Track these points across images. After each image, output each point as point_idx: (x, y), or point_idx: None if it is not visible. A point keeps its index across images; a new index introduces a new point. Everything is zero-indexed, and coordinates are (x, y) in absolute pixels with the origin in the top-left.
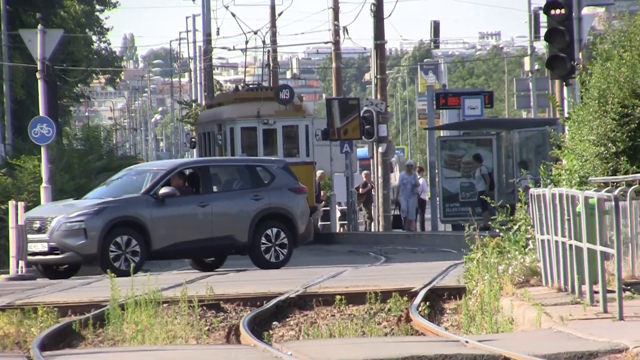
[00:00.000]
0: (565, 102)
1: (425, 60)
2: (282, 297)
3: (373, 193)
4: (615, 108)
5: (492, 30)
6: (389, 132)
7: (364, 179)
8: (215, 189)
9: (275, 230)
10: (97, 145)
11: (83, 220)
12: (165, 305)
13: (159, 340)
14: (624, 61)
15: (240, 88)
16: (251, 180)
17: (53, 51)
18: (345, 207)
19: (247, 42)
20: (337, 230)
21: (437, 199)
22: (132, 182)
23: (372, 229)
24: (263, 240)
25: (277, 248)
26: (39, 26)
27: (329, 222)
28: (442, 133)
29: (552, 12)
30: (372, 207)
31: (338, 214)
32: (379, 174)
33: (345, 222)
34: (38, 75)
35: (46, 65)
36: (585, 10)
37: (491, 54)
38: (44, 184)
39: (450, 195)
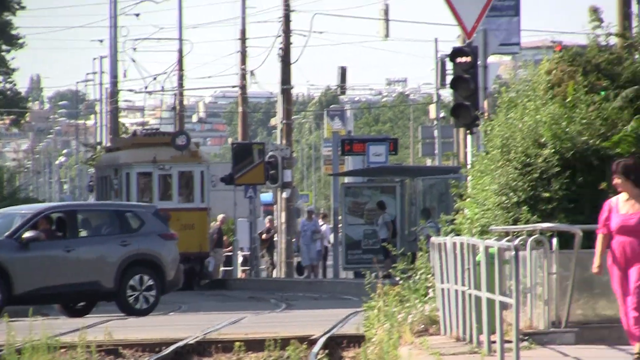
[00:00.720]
0: (469, 150)
1: (331, 106)
2: (180, 344)
3: (276, 239)
4: (518, 157)
5: (399, 77)
6: (294, 178)
7: (267, 225)
8: (82, 234)
9: (142, 276)
10: None
11: None
12: (62, 350)
13: None
14: (527, 110)
15: (138, 133)
16: (120, 226)
17: None
18: (248, 253)
19: (146, 87)
20: (239, 276)
21: (340, 245)
22: None
23: (275, 275)
24: (131, 285)
25: (144, 294)
26: None
27: (231, 268)
28: (347, 179)
29: (458, 59)
30: (275, 253)
31: (240, 260)
32: (283, 220)
33: (248, 267)
34: None
35: None
36: (491, 59)
37: (397, 101)
38: None
39: (353, 242)
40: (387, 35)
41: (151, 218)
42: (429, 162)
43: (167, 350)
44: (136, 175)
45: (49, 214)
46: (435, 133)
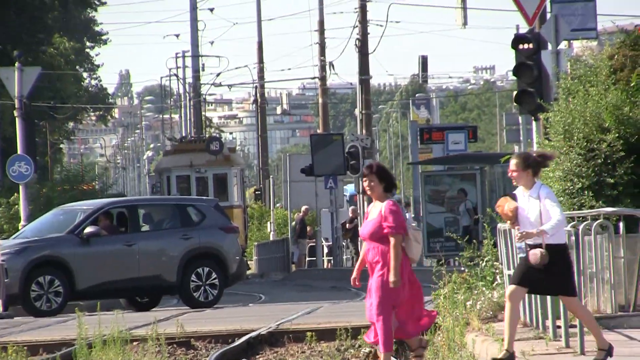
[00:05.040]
0: (534, 137)
1: (417, 94)
2: (253, 334)
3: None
4: (581, 143)
5: (487, 64)
6: None
7: (351, 215)
8: (143, 228)
9: (205, 269)
10: (76, 182)
11: (4, 260)
12: (135, 343)
13: None
14: (590, 96)
15: (183, 140)
16: (181, 220)
17: (31, 88)
18: (331, 243)
19: (227, 85)
20: (324, 266)
21: (422, 234)
22: (60, 221)
23: None
24: (193, 279)
25: (207, 287)
26: (17, 64)
27: (315, 258)
28: (428, 168)
29: (520, 46)
30: (359, 243)
31: (325, 250)
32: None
33: (331, 257)
34: (15, 113)
35: (24, 103)
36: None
37: (483, 88)
38: (22, 222)
39: (434, 230)
40: (465, 24)
41: (212, 212)
42: (515, 149)
43: (239, 341)
44: (175, 178)
45: (109, 209)
46: (520, 119)
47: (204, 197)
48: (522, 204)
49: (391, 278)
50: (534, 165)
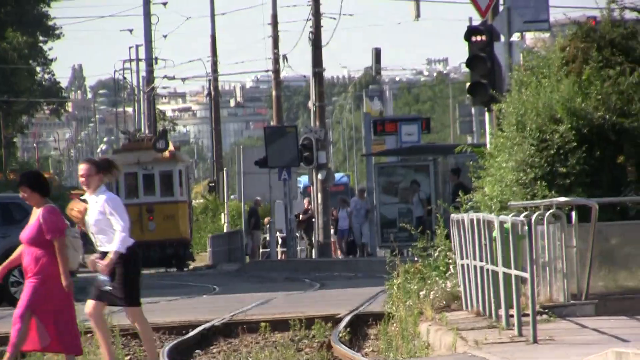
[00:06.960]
0: (487, 128)
1: (370, 86)
2: (207, 325)
3: (314, 220)
4: (534, 134)
5: (440, 56)
6: (331, 159)
7: (305, 206)
8: None
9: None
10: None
11: None
12: (89, 335)
13: None
14: (542, 87)
15: (130, 139)
16: (2, 218)
17: None
18: (285, 235)
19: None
20: (278, 257)
21: (376, 224)
22: None
23: (313, 256)
24: (15, 276)
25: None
26: None
27: (268, 249)
28: (381, 159)
29: (473, 38)
30: (313, 234)
31: (279, 241)
32: (319, 201)
33: (285, 248)
34: None
35: None
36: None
37: (437, 80)
38: None
39: (387, 221)
40: (418, 16)
41: None
42: (468, 140)
43: (192, 333)
44: (123, 175)
45: None
46: (473, 111)
47: None
48: (90, 206)
49: (64, 282)
50: (105, 167)
